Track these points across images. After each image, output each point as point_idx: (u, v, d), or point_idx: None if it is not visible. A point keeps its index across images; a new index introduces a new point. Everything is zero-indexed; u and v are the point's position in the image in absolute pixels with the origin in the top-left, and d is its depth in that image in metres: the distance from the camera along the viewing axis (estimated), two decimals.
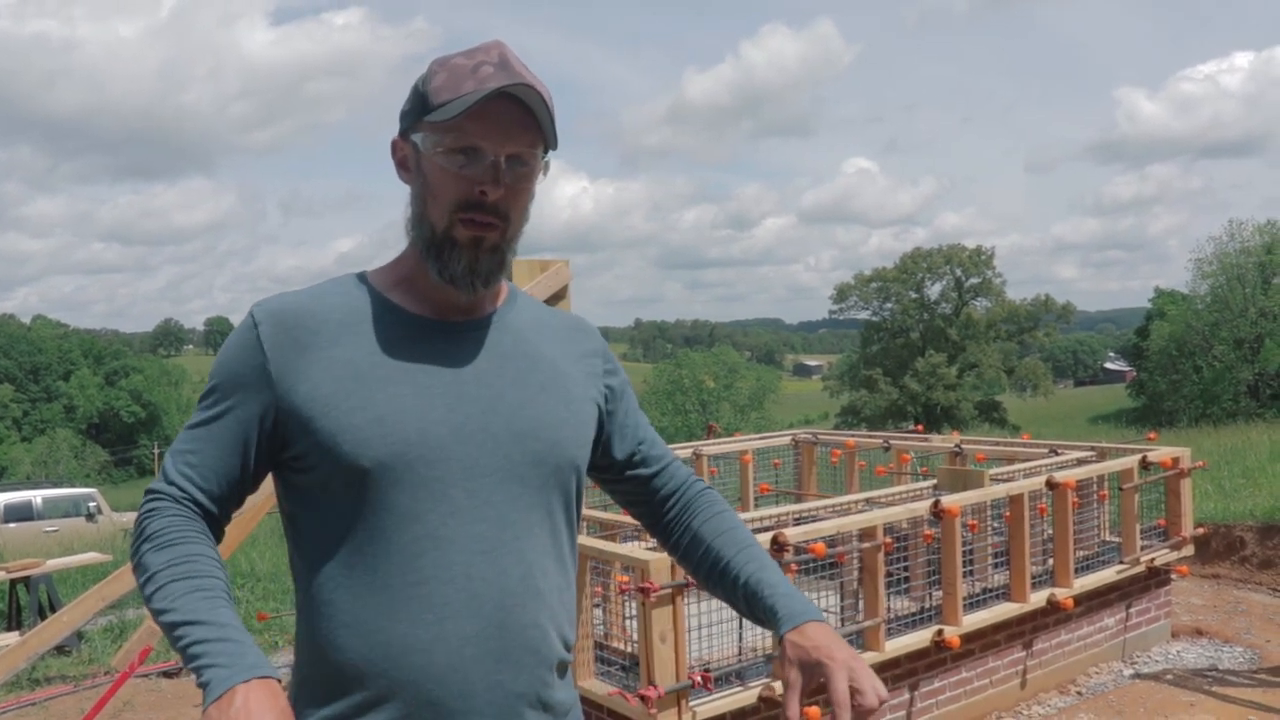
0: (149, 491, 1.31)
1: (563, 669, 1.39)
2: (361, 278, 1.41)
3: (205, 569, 1.23)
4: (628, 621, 4.17)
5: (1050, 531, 5.16)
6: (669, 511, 1.55)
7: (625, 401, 1.54)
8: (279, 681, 1.15)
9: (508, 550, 1.31)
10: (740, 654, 4.12)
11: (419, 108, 1.34)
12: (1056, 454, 5.76)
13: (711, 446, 6.89)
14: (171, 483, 1.30)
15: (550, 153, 1.37)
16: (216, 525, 1.33)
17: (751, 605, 1.40)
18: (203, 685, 1.13)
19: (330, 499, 1.29)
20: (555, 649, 1.35)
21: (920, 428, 9.36)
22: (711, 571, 1.46)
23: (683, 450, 6.85)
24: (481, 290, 1.35)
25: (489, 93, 1.26)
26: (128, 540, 12.71)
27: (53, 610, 7.21)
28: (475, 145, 1.29)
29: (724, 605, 4.08)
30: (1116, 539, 5.54)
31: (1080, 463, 5.52)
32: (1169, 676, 5.17)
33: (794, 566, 3.90)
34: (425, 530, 1.27)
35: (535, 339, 1.43)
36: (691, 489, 1.56)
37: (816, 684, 1.27)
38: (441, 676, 1.25)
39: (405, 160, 1.38)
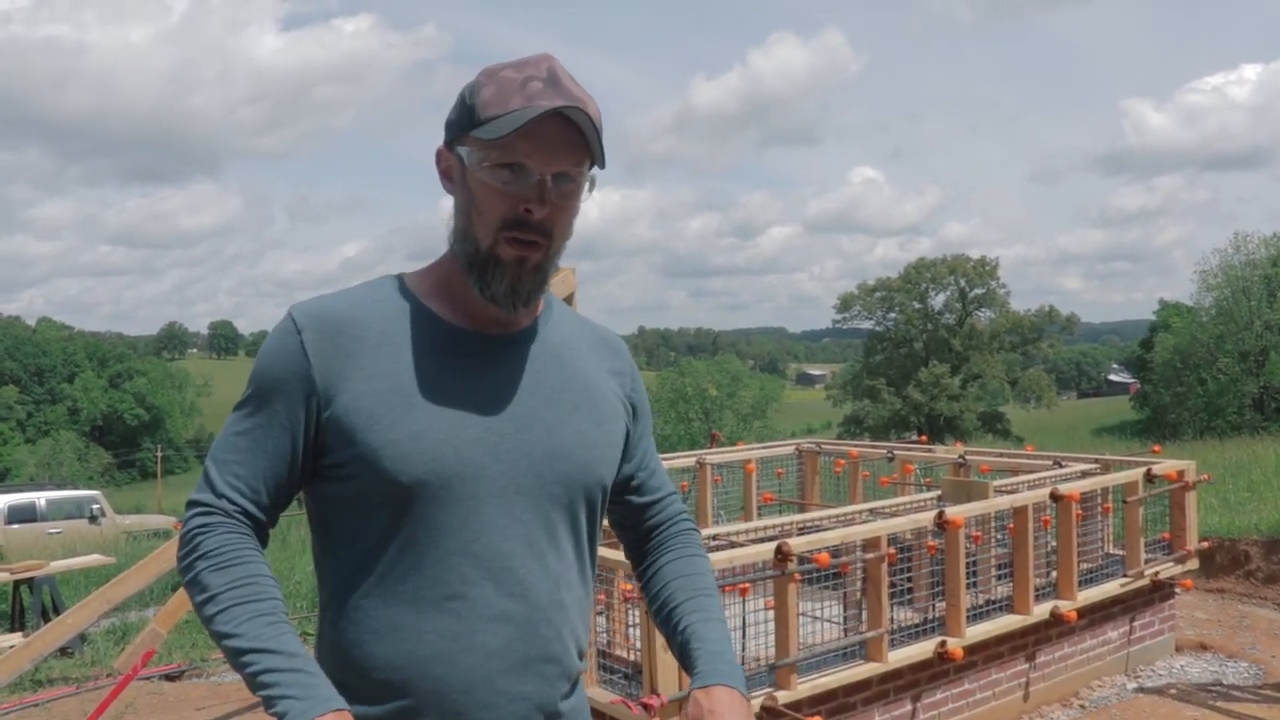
0: (196, 503, 1.30)
1: (576, 678, 1.42)
2: (400, 282, 1.40)
3: (266, 591, 1.24)
4: (631, 630, 4.17)
5: (1054, 544, 5.16)
6: (649, 543, 1.57)
7: (640, 424, 1.55)
8: (351, 715, 1.18)
9: (536, 566, 1.33)
10: (743, 663, 4.11)
11: (465, 120, 1.32)
12: (1060, 466, 5.75)
13: (715, 455, 6.89)
14: (221, 495, 1.29)
15: (595, 169, 1.37)
16: (265, 533, 1.34)
17: (683, 654, 1.42)
18: (277, 715, 1.15)
19: (365, 509, 1.30)
20: (574, 661, 1.39)
21: (924, 438, 9.35)
22: (660, 611, 1.49)
23: (686, 459, 6.85)
24: (522, 310, 1.36)
25: (539, 114, 1.26)
26: (131, 544, 12.74)
27: (56, 612, 7.22)
28: (521, 162, 1.29)
29: (727, 615, 4.09)
30: (1120, 552, 5.53)
31: (1084, 475, 5.51)
32: (1173, 691, 5.16)
33: (798, 576, 3.90)
34: (458, 545, 1.29)
35: (570, 355, 1.44)
36: (675, 526, 1.58)
37: None
38: (467, 687, 1.28)
39: (449, 171, 1.38)
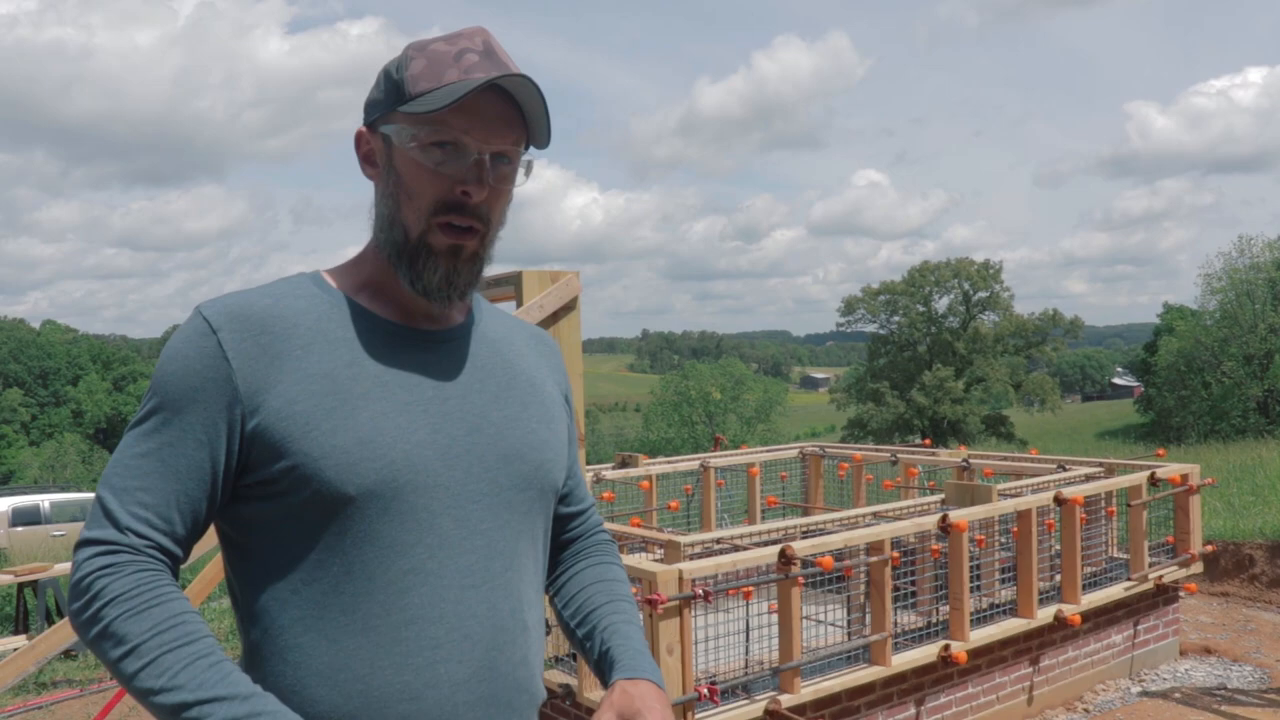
0: (94, 542, 1.09)
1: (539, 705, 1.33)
2: (318, 279, 1.26)
3: (198, 631, 1.07)
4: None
5: (1058, 547, 5.15)
6: (565, 552, 1.47)
7: (572, 429, 1.44)
8: None
9: (497, 583, 1.21)
10: (746, 667, 4.11)
11: (393, 96, 1.21)
12: (1064, 469, 5.75)
13: (719, 459, 6.89)
14: (125, 529, 1.10)
15: (531, 150, 1.26)
16: (178, 569, 1.15)
17: (603, 650, 1.32)
18: None
19: (301, 529, 1.14)
20: (540, 685, 1.29)
21: (928, 441, 9.36)
22: (577, 613, 1.38)
23: (690, 462, 6.85)
24: (458, 302, 1.25)
25: (482, 84, 1.15)
26: None
27: (60, 614, 7.23)
28: (458, 140, 1.18)
29: (731, 619, 4.09)
30: (1125, 555, 5.53)
31: (1088, 478, 5.51)
32: (1177, 695, 5.14)
33: (801, 579, 3.89)
34: (412, 564, 1.15)
35: (509, 351, 1.34)
36: (595, 538, 1.49)
37: None
38: None
39: (371, 154, 1.26)
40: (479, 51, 1.20)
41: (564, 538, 1.47)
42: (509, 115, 1.20)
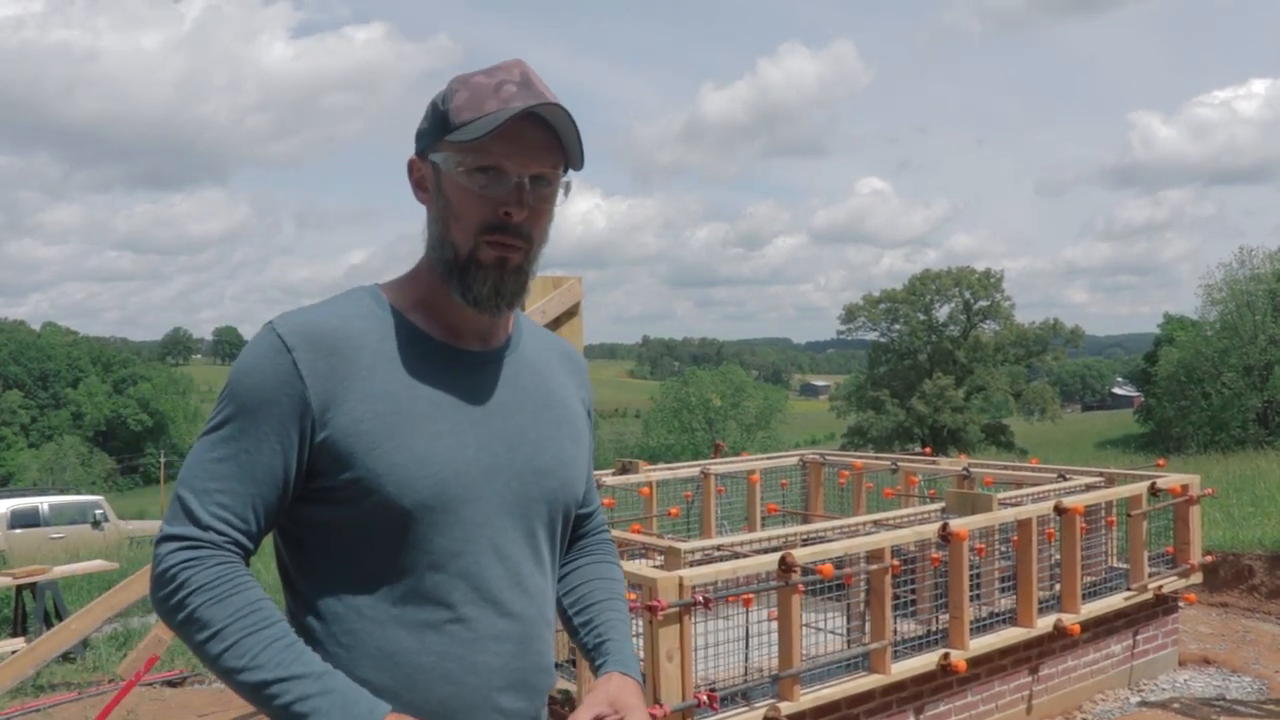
0: (176, 538, 1.22)
1: None
2: (377, 295, 1.38)
3: (273, 615, 1.21)
4: (634, 639, 4.16)
5: (1058, 557, 5.15)
6: (572, 546, 1.61)
7: (593, 438, 1.58)
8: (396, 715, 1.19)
9: (528, 585, 1.37)
10: (746, 674, 4.11)
11: (439, 127, 1.33)
12: (1065, 479, 5.75)
13: (719, 465, 6.89)
14: (207, 527, 1.23)
15: (570, 172, 1.37)
16: (249, 560, 1.28)
17: (597, 642, 1.49)
18: None
19: (359, 533, 1.28)
20: (554, 674, 1.44)
21: (928, 450, 9.36)
22: (577, 603, 1.54)
23: (690, 469, 6.85)
24: (506, 312, 1.36)
25: (518, 112, 1.26)
26: (134, 549, 12.75)
27: (59, 617, 7.23)
28: (498, 165, 1.29)
29: (731, 625, 4.09)
30: (1124, 565, 5.53)
31: (1089, 488, 5.51)
32: (1176, 705, 5.14)
33: (801, 587, 3.90)
34: (458, 568, 1.30)
35: (546, 371, 1.47)
36: (599, 535, 1.65)
37: None
38: (470, 707, 1.30)
39: (423, 180, 1.37)
40: (516, 82, 1.30)
41: (574, 535, 1.61)
42: (546, 140, 1.31)
